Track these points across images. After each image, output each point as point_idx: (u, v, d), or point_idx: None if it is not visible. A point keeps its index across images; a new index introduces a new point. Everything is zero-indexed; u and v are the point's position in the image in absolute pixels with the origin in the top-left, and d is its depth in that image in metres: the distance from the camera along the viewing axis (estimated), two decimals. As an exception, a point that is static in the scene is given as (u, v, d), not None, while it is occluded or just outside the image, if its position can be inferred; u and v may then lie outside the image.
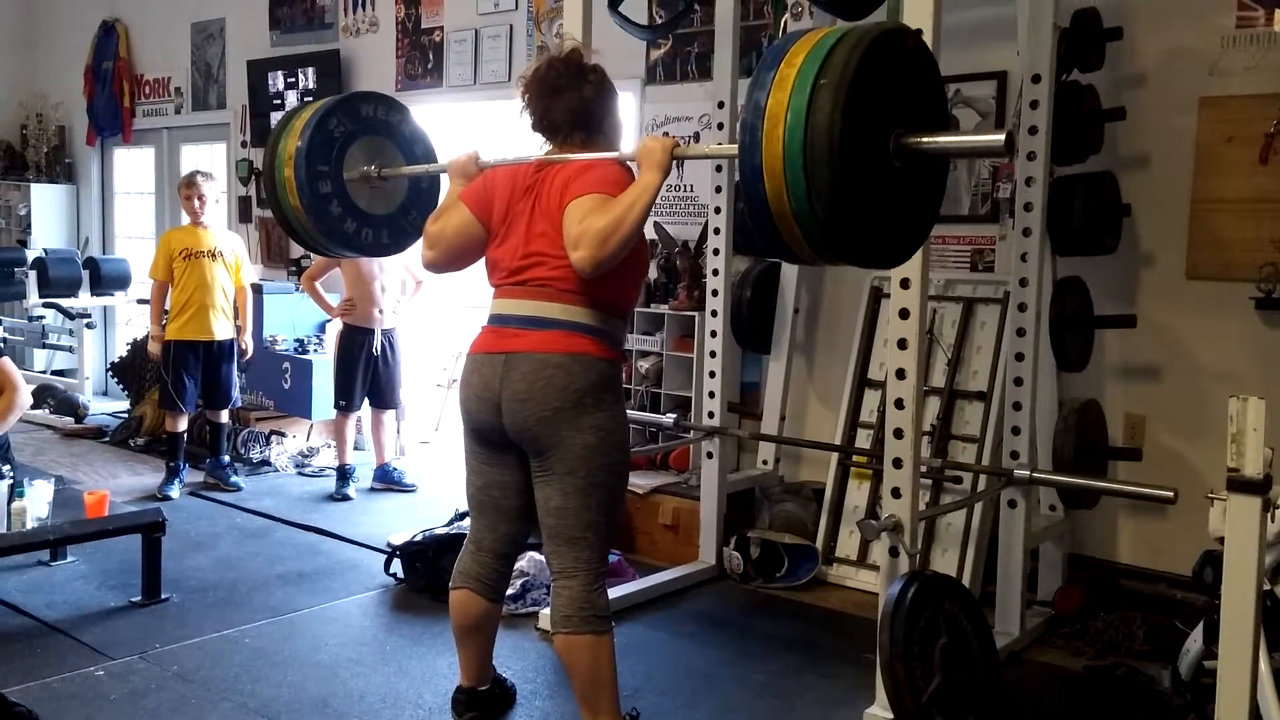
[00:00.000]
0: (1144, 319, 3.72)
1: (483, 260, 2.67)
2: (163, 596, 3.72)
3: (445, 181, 2.91)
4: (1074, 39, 3.61)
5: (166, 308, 5.20)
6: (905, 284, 2.77)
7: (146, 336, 5.66)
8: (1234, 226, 3.64)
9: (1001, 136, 1.99)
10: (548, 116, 2.57)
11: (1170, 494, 3.00)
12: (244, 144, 7.16)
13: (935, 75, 2.14)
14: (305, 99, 6.56)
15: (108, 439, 6.44)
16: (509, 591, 3.22)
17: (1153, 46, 3.78)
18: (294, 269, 6.66)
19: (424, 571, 3.85)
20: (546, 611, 3.51)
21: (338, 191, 3.01)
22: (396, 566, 3.98)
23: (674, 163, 2.43)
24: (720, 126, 4.18)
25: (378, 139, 3.10)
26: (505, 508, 2.65)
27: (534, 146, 2.65)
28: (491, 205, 2.59)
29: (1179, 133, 3.73)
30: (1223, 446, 3.07)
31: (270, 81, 6.77)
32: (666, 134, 5.05)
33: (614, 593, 2.75)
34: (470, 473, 2.69)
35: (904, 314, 2.81)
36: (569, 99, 2.54)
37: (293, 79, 6.66)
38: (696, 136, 4.96)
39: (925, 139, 2.01)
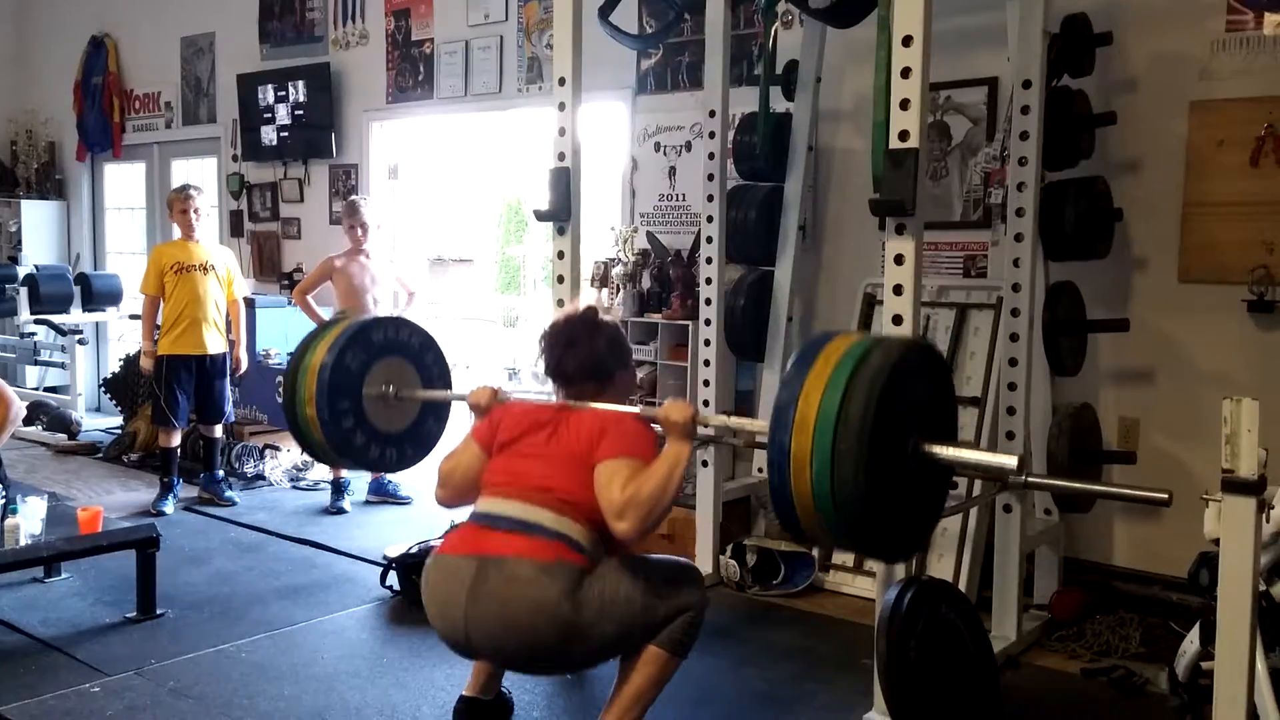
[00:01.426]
0: (1136, 323, 3.73)
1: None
2: (158, 612, 3.71)
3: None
4: (1064, 44, 3.63)
5: (159, 323, 5.18)
6: (898, 290, 2.76)
7: (139, 352, 5.64)
8: (1226, 230, 3.66)
9: (1014, 462, 2.16)
10: (562, 365, 2.66)
11: (1164, 496, 2.96)
12: (235, 158, 7.15)
13: (948, 381, 2.28)
14: (296, 112, 6.57)
15: (101, 455, 6.41)
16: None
17: (1142, 51, 3.80)
18: (286, 282, 6.65)
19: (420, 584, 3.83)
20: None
21: (360, 423, 3.04)
22: (393, 579, 3.97)
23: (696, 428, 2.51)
24: (712, 135, 4.18)
25: (390, 359, 3.12)
26: None
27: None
28: (497, 430, 2.64)
29: (1170, 137, 3.74)
30: (1217, 449, 3.06)
31: (261, 95, 6.77)
32: (658, 145, 5.07)
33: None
34: None
35: (897, 320, 2.80)
36: (582, 350, 2.64)
37: (283, 92, 6.66)
38: (688, 145, 4.97)
39: (944, 451, 2.13)
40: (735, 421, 2.81)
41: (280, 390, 5.98)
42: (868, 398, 1.98)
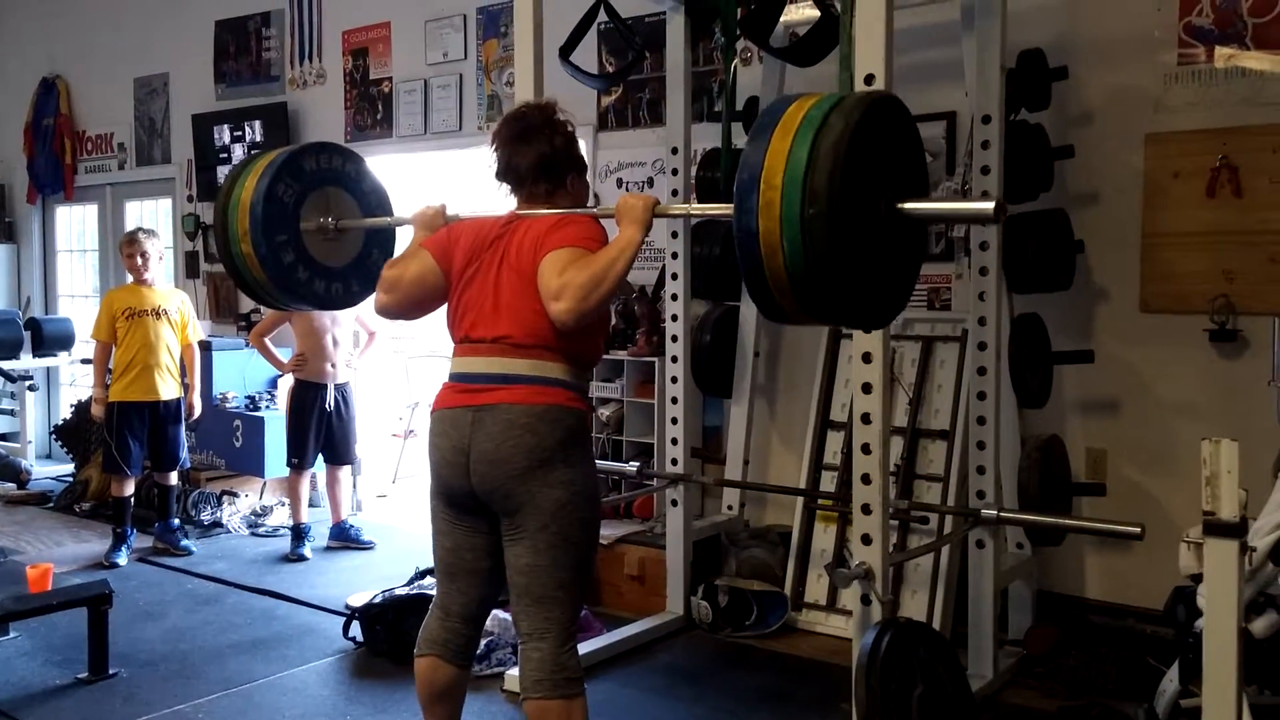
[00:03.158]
0: (1100, 353, 3.74)
1: (443, 311, 2.61)
2: (110, 672, 3.57)
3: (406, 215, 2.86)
4: (1020, 79, 3.65)
5: (111, 368, 5.06)
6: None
7: (90, 398, 5.50)
8: (1185, 260, 3.69)
9: (991, 205, 2.02)
10: (513, 163, 2.54)
11: (1137, 530, 2.99)
12: (190, 198, 7.04)
13: (913, 131, 2.14)
14: (253, 152, 6.48)
15: (52, 505, 6.23)
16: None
17: (1097, 84, 3.84)
18: (243, 324, 6.53)
19: (385, 635, 3.74)
20: (512, 672, 3.42)
21: (301, 257, 2.92)
22: (356, 630, 3.86)
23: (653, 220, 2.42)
24: (675, 172, 4.16)
25: (326, 189, 3.01)
26: (477, 570, 2.56)
27: (498, 202, 2.62)
28: (454, 253, 2.54)
29: (1127, 169, 3.78)
30: (1185, 479, 3.03)
31: (216, 135, 6.68)
32: (620, 181, 5.05)
33: (581, 648, 2.65)
34: (439, 535, 2.60)
35: (867, 358, 2.79)
36: (537, 147, 2.52)
37: (239, 132, 6.58)
38: (650, 182, 4.95)
39: (919, 204, 2.03)
40: (698, 207, 2.69)
41: (237, 431, 5.91)
42: (833, 165, 1.85)
